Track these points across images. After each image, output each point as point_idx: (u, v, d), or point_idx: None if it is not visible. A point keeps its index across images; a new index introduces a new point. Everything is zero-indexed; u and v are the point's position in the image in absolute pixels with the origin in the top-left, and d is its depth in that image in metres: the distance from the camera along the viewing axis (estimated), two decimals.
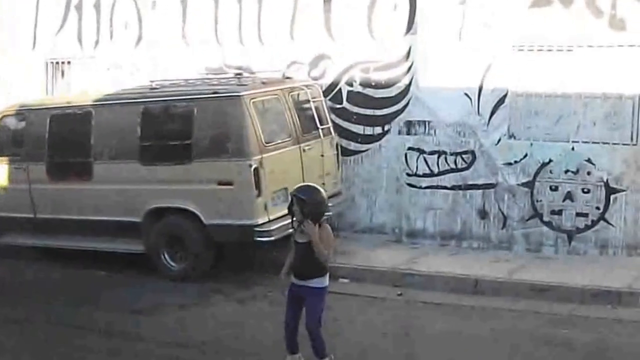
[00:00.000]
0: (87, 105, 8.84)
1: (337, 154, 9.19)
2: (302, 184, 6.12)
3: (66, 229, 8.83)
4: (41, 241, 9.11)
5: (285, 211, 7.85)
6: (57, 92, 11.43)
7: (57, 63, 11.49)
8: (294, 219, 5.68)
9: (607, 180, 8.41)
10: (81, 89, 10.80)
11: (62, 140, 8.96)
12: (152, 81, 9.03)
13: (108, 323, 7.15)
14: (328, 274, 5.71)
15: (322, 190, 5.74)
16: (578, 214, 8.54)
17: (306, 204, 5.54)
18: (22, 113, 9.27)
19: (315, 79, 9.59)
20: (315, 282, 5.64)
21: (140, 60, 10.68)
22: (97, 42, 11.11)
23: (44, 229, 9.01)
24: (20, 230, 9.18)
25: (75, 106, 8.96)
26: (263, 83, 8.58)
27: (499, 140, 8.83)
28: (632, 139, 8.30)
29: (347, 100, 9.61)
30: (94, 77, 10.92)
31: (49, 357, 6.44)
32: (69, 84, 11.42)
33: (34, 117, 9.12)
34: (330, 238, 5.59)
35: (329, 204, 5.94)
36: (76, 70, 11.33)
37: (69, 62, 11.42)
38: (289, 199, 5.76)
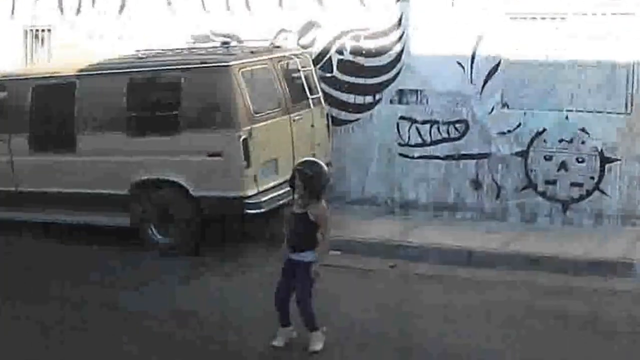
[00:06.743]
0: (70, 75, 8.60)
1: (328, 124, 9.05)
2: (305, 158, 5.96)
3: (49, 203, 8.63)
4: (23, 215, 8.88)
5: (275, 182, 7.96)
6: (37, 60, 11.13)
7: (37, 31, 11.19)
8: (296, 192, 5.57)
9: (601, 150, 8.35)
10: (63, 57, 10.54)
11: (45, 111, 8.72)
12: (137, 50, 8.79)
13: (92, 296, 6.99)
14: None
15: (323, 165, 5.66)
16: (572, 184, 8.48)
17: (311, 178, 5.46)
18: (3, 83, 9.02)
19: (304, 47, 9.40)
20: (306, 255, 5.57)
21: (123, 28, 10.41)
22: (78, 10, 10.80)
23: (26, 203, 8.80)
24: (1, 204, 8.95)
25: (58, 76, 8.70)
26: (251, 52, 8.39)
27: (492, 109, 8.73)
28: (626, 107, 8.22)
29: (337, 69, 9.44)
30: (76, 45, 10.63)
31: (31, 334, 6.26)
32: (49, 52, 11.13)
33: (16, 87, 8.86)
34: (325, 218, 5.53)
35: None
36: (57, 38, 11.03)
37: (49, 30, 11.11)
38: (291, 174, 5.63)
